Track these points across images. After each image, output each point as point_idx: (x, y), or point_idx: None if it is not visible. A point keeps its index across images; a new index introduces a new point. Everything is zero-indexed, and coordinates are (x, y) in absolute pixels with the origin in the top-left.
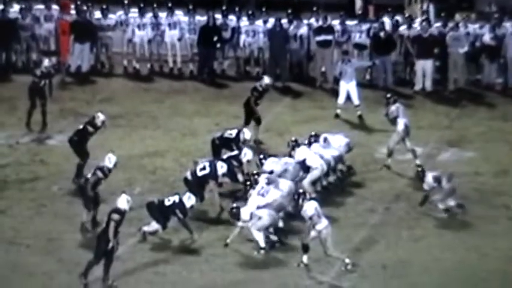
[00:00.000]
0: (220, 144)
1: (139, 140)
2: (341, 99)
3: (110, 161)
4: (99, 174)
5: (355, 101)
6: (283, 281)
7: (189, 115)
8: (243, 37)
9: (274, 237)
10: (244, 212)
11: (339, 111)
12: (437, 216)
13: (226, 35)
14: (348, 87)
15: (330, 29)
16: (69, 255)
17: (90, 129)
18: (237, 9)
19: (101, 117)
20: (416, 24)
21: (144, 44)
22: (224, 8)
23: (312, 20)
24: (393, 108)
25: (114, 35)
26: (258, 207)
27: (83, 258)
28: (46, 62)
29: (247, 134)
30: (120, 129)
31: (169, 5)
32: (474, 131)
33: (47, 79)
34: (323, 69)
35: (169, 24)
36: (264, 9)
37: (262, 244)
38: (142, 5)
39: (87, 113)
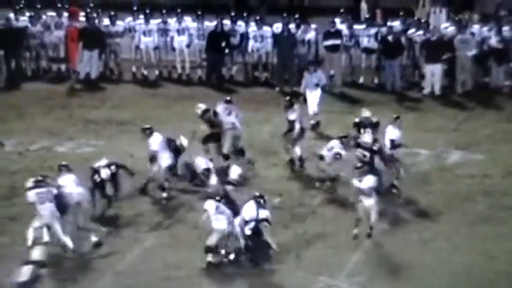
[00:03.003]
0: None
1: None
2: (311, 109)
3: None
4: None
5: (314, 107)
6: (291, 283)
7: (197, 120)
8: (251, 42)
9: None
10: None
11: (313, 121)
12: (447, 219)
13: (235, 40)
14: (312, 95)
15: (338, 34)
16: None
17: None
18: (245, 14)
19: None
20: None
21: (149, 50)
22: (233, 13)
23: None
24: (292, 111)
25: (122, 41)
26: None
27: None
28: None
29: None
30: (128, 135)
31: (178, 10)
32: (482, 133)
33: None
34: (331, 73)
35: (177, 30)
36: (269, 14)
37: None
38: (147, 12)
39: (97, 120)
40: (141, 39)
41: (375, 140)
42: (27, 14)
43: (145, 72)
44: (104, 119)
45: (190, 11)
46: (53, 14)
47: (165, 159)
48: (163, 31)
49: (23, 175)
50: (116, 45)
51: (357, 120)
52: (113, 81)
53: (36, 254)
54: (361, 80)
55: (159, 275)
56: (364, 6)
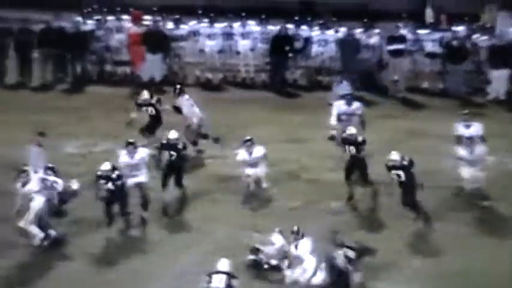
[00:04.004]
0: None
1: (211, 148)
2: (333, 120)
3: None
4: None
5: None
6: None
7: (259, 124)
8: (314, 47)
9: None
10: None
11: (334, 132)
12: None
13: (298, 44)
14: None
15: (402, 38)
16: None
17: None
18: (309, 19)
19: None
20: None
21: (214, 53)
22: (296, 18)
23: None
24: (182, 99)
25: (186, 45)
26: None
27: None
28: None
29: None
30: None
31: (243, 14)
32: None
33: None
34: (395, 78)
35: (241, 34)
36: (334, 19)
37: None
38: (212, 15)
39: None
40: (206, 43)
41: (402, 158)
42: (95, 17)
43: (209, 76)
44: (168, 123)
45: (254, 15)
46: (113, 17)
47: None
48: (228, 35)
49: (86, 178)
50: (179, 48)
51: (343, 135)
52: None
53: (224, 264)
54: (424, 85)
55: None
56: (428, 11)
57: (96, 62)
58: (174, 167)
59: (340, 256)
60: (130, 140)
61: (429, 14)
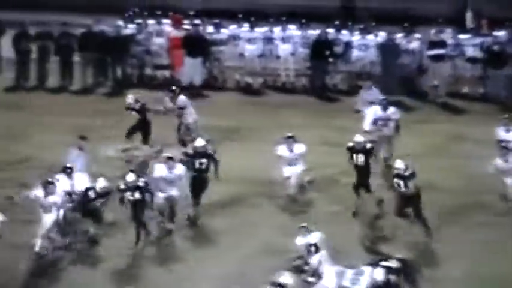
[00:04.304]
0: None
1: (251, 153)
2: (366, 125)
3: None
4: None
5: (367, 126)
6: None
7: (299, 128)
8: (354, 51)
9: None
10: None
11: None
12: None
13: (339, 49)
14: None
15: (442, 43)
16: None
17: None
18: (349, 23)
19: None
20: None
21: (254, 58)
22: (337, 22)
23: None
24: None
25: (226, 49)
26: None
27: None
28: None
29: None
30: (232, 143)
31: (283, 18)
32: None
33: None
34: (435, 82)
35: (282, 38)
36: (374, 23)
37: None
38: (252, 19)
39: (199, 127)
40: (246, 47)
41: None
42: (136, 21)
43: (249, 80)
44: (207, 127)
45: (294, 20)
46: (153, 21)
47: None
48: (268, 39)
49: None
50: (219, 52)
51: (350, 144)
52: (217, 89)
53: (286, 278)
54: (465, 89)
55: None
56: (469, 15)
57: (136, 66)
58: (202, 178)
59: (380, 272)
60: (169, 155)
61: (470, 19)
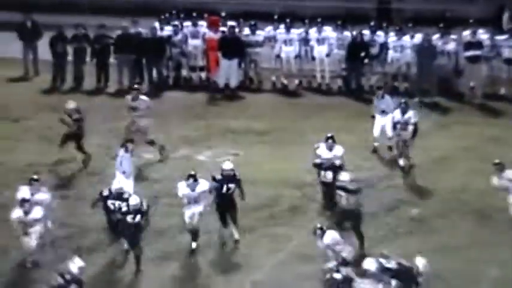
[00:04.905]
0: None
1: (287, 155)
2: (376, 132)
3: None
4: None
5: (388, 132)
6: None
7: (335, 131)
8: (390, 53)
9: None
10: None
11: (376, 144)
12: None
13: (374, 50)
14: (382, 121)
15: (479, 44)
16: None
17: None
18: (384, 25)
19: None
20: None
21: (290, 59)
22: (372, 23)
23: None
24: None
25: (262, 50)
26: None
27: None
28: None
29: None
30: (267, 145)
31: (319, 20)
32: None
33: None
34: (471, 84)
35: (317, 40)
36: (411, 25)
37: None
38: (288, 21)
39: (235, 129)
40: (282, 49)
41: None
42: (172, 23)
43: (285, 82)
44: (243, 129)
45: (330, 21)
46: (189, 23)
47: None
48: (304, 40)
49: (165, 184)
50: (255, 54)
51: (317, 161)
52: (253, 91)
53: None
54: (502, 91)
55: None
56: (506, 16)
57: (172, 68)
58: (231, 201)
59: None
60: (192, 173)
61: (507, 20)
